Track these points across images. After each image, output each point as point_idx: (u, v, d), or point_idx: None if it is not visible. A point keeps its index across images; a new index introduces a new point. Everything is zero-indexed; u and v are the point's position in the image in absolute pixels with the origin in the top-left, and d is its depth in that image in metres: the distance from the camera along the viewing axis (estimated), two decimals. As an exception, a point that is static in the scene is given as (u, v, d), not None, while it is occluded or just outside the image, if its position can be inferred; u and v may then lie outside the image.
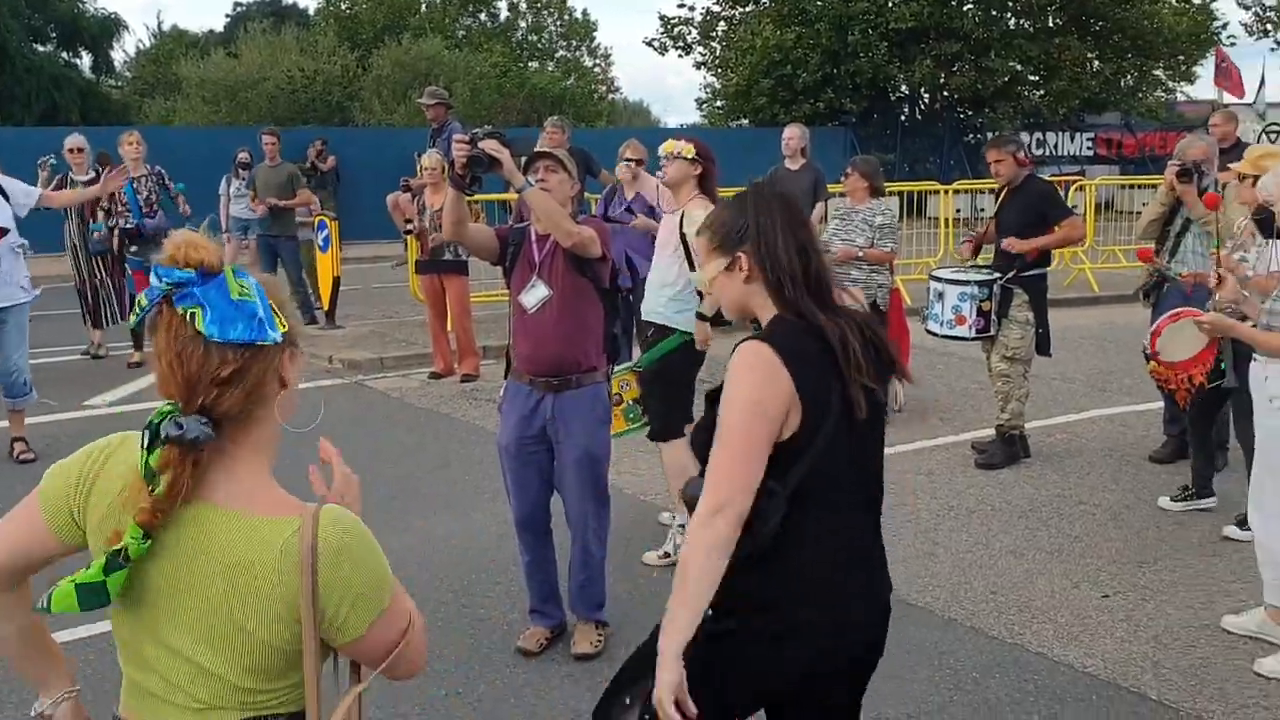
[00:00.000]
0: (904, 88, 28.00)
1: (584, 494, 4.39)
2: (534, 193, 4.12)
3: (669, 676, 2.16)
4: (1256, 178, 5.26)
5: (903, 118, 28.79)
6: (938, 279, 7.10)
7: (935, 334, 7.15)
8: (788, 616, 2.27)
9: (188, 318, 1.65)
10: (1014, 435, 6.95)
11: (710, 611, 2.23)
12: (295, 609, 1.67)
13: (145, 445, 1.64)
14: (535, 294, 4.27)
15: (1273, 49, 33.78)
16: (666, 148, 5.30)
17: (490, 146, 4.02)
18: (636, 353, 5.72)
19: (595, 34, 39.76)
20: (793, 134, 9.61)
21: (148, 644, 1.72)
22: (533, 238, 4.32)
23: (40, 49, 31.07)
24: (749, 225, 2.32)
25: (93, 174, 10.00)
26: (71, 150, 9.90)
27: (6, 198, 6.99)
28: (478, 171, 4.07)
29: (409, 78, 28.25)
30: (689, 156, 5.20)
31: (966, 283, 6.90)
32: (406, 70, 28.95)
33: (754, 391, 2.19)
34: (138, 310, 1.69)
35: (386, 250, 17.17)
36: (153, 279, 1.67)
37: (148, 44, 40.14)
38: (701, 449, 2.30)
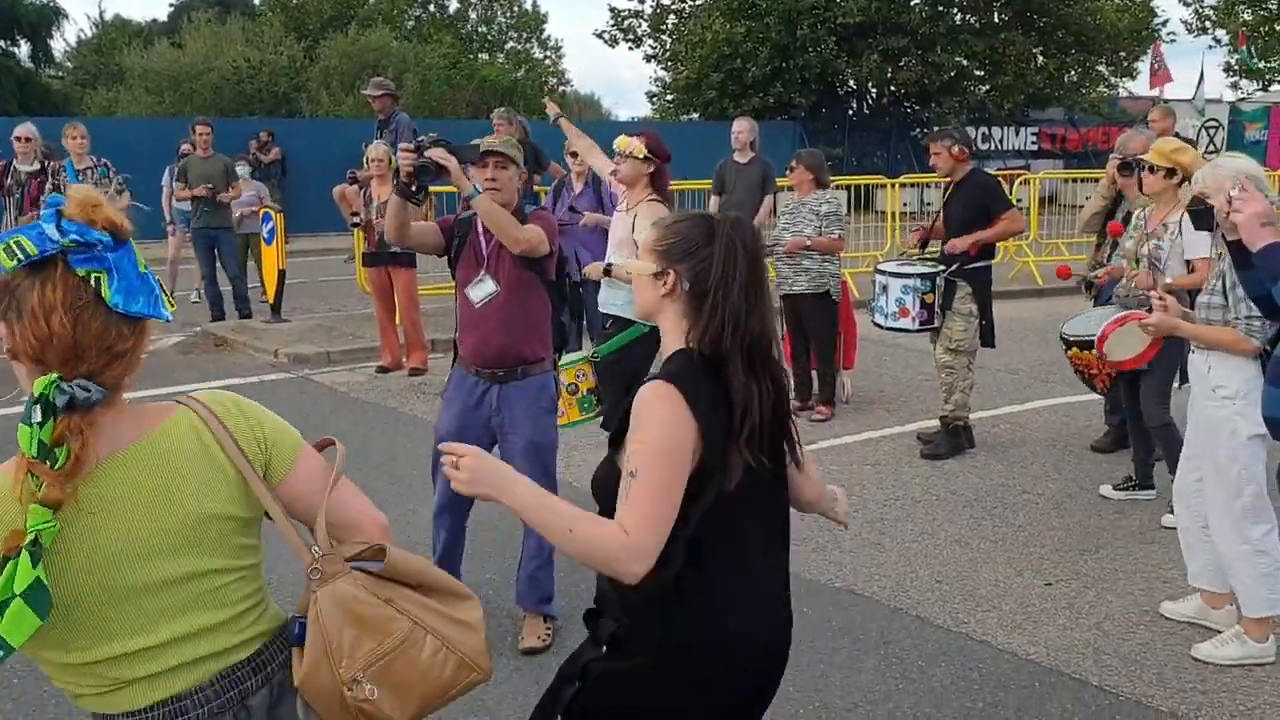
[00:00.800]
0: (852, 82, 28.19)
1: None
2: (481, 200, 4.14)
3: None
4: (1169, 170, 5.39)
5: (850, 112, 29.00)
6: (882, 272, 7.16)
7: (880, 326, 7.21)
8: (695, 658, 2.23)
9: (91, 281, 1.57)
10: (959, 426, 7.02)
11: (604, 649, 2.26)
12: (231, 467, 1.74)
13: (39, 420, 1.53)
14: (483, 289, 4.28)
15: (1211, 46, 34.53)
16: (619, 145, 5.28)
17: (437, 155, 4.02)
18: (587, 344, 5.72)
19: (545, 26, 39.70)
20: (742, 128, 9.63)
21: (150, 612, 1.70)
22: (479, 229, 4.34)
23: (-25, 37, 30.39)
24: (708, 256, 2.23)
25: (38, 165, 9.80)
26: (20, 139, 9.66)
27: None
28: (424, 180, 4.07)
29: (357, 69, 27.98)
30: (640, 156, 5.17)
31: (909, 275, 6.96)
32: (354, 61, 28.67)
33: (665, 433, 2.12)
34: (21, 256, 1.55)
35: (334, 243, 16.98)
36: (48, 230, 1.56)
37: (89, 33, 39.41)
38: (603, 493, 2.24)
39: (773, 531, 2.34)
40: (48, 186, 9.41)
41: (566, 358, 5.22)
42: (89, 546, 1.62)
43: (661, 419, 2.13)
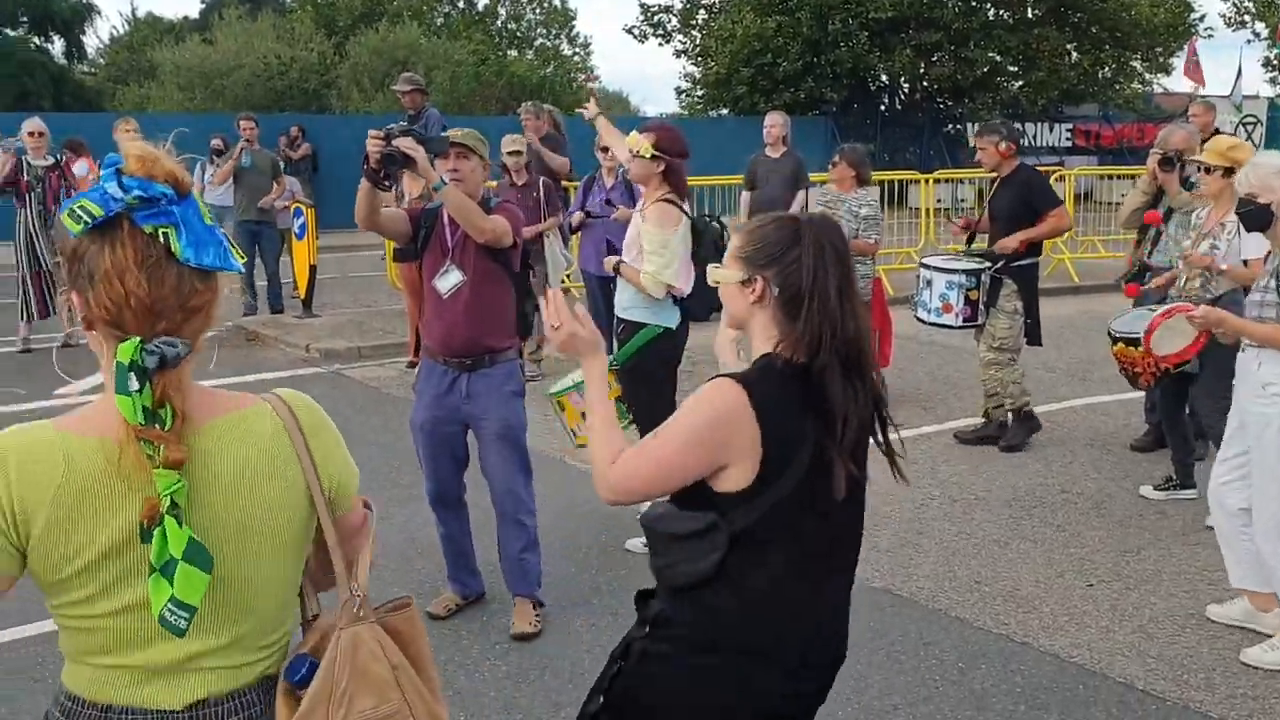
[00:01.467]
0: (884, 77, 27.98)
1: (508, 468, 4.53)
2: (447, 191, 4.19)
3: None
4: (1226, 169, 5.25)
5: (883, 107, 28.78)
6: (927, 266, 7.07)
7: (923, 321, 7.12)
8: (730, 655, 2.19)
9: (160, 237, 1.52)
10: (1028, 412, 7.00)
11: (647, 629, 2.26)
12: (303, 483, 1.69)
13: (136, 388, 1.49)
14: (449, 279, 4.37)
15: (1249, 41, 34.03)
16: (629, 143, 5.14)
17: (405, 145, 4.05)
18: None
19: (574, 22, 39.64)
20: (775, 122, 9.55)
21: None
22: (445, 220, 4.40)
23: (10, 33, 30.65)
24: (796, 259, 2.17)
25: (52, 160, 9.85)
26: (31, 134, 9.73)
27: None
28: (391, 169, 4.09)
29: (386, 65, 28.05)
30: (647, 155, 5.02)
31: (954, 271, 6.87)
32: (384, 58, 28.74)
33: (704, 422, 2.11)
34: (87, 219, 1.50)
35: (364, 239, 16.98)
36: (111, 189, 1.51)
37: (122, 30, 39.72)
38: (652, 534, 2.28)
39: (846, 540, 2.30)
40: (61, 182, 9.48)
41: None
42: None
43: (708, 409, 2.12)
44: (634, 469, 2.17)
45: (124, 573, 1.58)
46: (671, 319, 5.16)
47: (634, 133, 5.20)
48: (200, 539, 1.54)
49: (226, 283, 1.67)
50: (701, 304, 5.09)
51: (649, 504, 2.28)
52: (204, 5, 40.67)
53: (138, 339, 1.51)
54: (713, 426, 2.09)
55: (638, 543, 5.42)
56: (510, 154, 8.71)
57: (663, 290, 5.01)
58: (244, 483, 1.62)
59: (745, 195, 9.62)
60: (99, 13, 40.23)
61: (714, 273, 2.31)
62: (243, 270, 1.66)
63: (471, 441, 4.59)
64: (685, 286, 5.09)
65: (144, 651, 1.61)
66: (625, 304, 5.22)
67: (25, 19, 31.64)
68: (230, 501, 1.61)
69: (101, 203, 1.50)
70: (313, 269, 11.25)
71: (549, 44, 38.59)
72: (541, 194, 8.81)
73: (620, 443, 2.24)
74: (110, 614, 1.59)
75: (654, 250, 4.97)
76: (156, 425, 1.51)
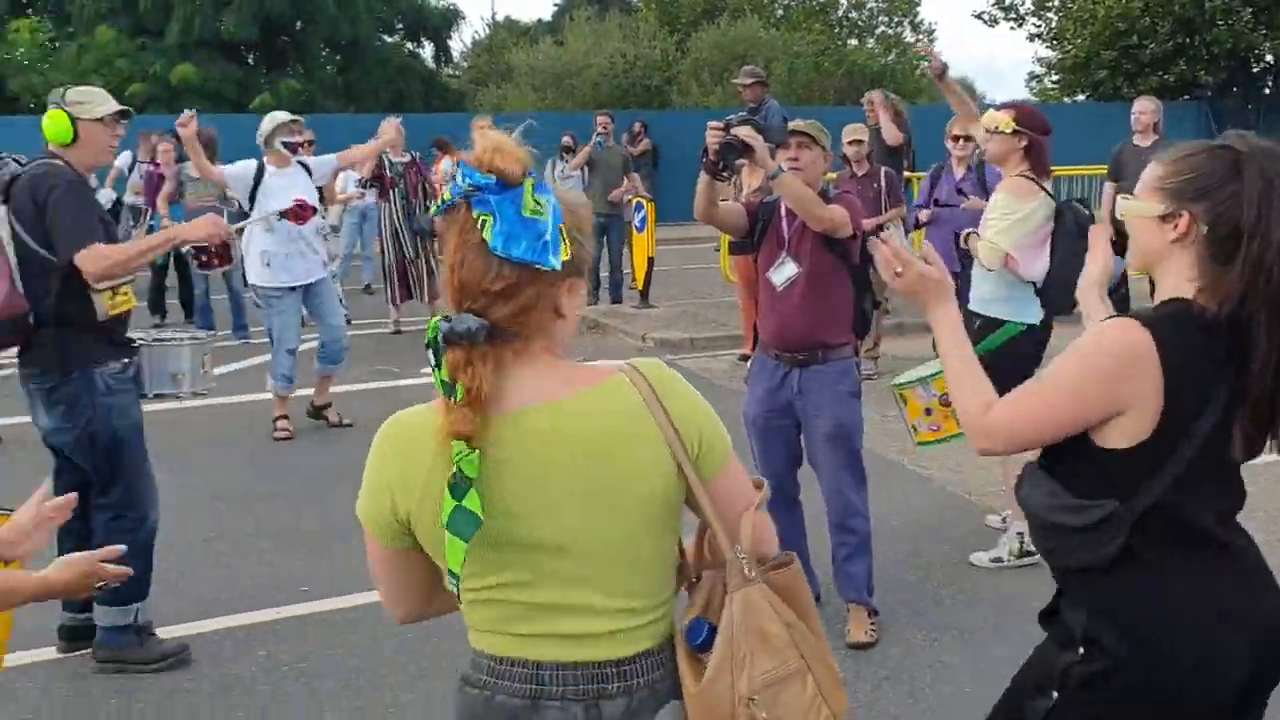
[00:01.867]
0: (1269, 57, 25.25)
1: (838, 469, 4.32)
2: (784, 179, 4.12)
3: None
4: None
5: (1267, 90, 25.99)
6: None
7: None
8: (1162, 652, 1.91)
9: (479, 223, 1.63)
10: None
11: (1081, 651, 1.96)
12: (664, 447, 1.68)
13: (434, 362, 1.64)
14: (784, 271, 4.31)
15: None
16: (985, 121, 4.86)
17: (744, 133, 4.03)
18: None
19: (918, 8, 38.45)
20: (1145, 108, 8.81)
21: (545, 573, 1.68)
22: (782, 213, 4.34)
23: (388, 40, 33.58)
24: (1234, 194, 1.88)
25: (409, 156, 10.55)
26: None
27: (310, 174, 7.38)
28: (730, 159, 4.06)
29: (726, 59, 28.34)
30: (1008, 130, 4.71)
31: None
32: (724, 52, 29.08)
33: (1098, 365, 1.88)
34: (439, 204, 1.68)
35: (698, 232, 17.28)
36: (458, 176, 1.65)
37: (482, 34, 42.61)
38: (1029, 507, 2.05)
39: (1232, 499, 2.02)
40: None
41: (936, 365, 4.86)
42: (489, 488, 1.62)
43: (1110, 345, 1.88)
44: (1021, 410, 1.96)
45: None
46: (1033, 314, 4.80)
47: (990, 110, 4.94)
48: (504, 514, 1.63)
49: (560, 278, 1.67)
50: (1064, 294, 4.68)
51: (1028, 487, 2.04)
52: (556, 7, 42.86)
53: (439, 317, 1.65)
54: (1116, 365, 1.86)
55: (983, 557, 5.08)
56: (851, 144, 8.48)
57: (998, 260, 4.68)
58: (604, 449, 1.66)
59: (1109, 187, 8.92)
60: (464, 18, 43.38)
61: (1125, 205, 2.02)
62: (559, 268, 1.65)
63: (799, 438, 4.46)
64: (1031, 271, 4.71)
65: (529, 623, 1.69)
66: (984, 296, 4.89)
67: (401, 26, 34.54)
68: (591, 468, 1.65)
69: (453, 189, 1.66)
70: (650, 261, 11.49)
71: (891, 31, 37.68)
72: (883, 184, 8.52)
73: (990, 390, 2.05)
74: (483, 589, 1.70)
75: (998, 217, 4.68)
76: (451, 398, 1.60)
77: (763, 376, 4.45)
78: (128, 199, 11.74)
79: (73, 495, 2.39)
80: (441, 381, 1.62)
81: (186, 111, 6.79)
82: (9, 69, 25.89)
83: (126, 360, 4.20)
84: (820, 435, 4.35)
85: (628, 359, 1.78)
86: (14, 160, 4.13)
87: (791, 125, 4.38)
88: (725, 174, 4.16)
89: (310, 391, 7.72)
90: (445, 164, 11.20)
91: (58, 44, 27.23)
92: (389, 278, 10.80)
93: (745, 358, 9.30)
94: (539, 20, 43.28)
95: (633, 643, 1.72)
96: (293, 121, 7.41)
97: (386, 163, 10.35)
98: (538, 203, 1.63)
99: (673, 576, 1.80)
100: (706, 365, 9.33)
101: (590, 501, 1.66)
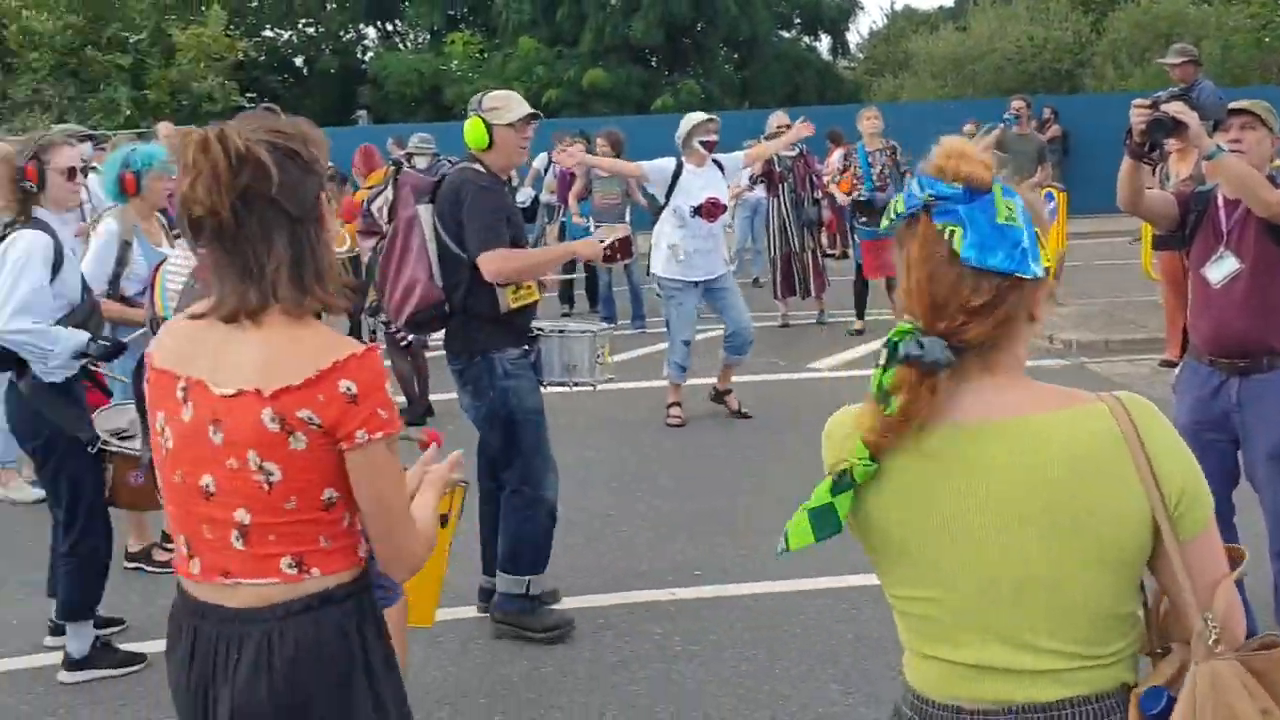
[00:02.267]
0: None
1: None
2: (1225, 159, 3.76)
3: None
4: None
5: None
6: None
7: None
8: None
9: (945, 235, 1.54)
10: None
11: None
12: (1140, 491, 1.52)
13: (882, 364, 1.56)
14: (1222, 267, 3.94)
15: None
16: None
17: (1174, 109, 3.68)
18: None
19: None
20: None
21: (957, 608, 1.59)
22: (1219, 203, 3.96)
23: (784, 35, 33.91)
24: None
25: (797, 150, 10.40)
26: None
27: (723, 171, 7.66)
28: (1159, 137, 3.75)
29: (1149, 39, 26.19)
30: None
31: None
32: (1146, 31, 26.89)
33: None
34: (892, 216, 1.62)
35: (1113, 224, 16.06)
36: (913, 187, 1.59)
37: (880, 24, 42.04)
38: None
39: None
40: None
41: None
42: (921, 494, 1.57)
43: None
44: None
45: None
46: None
47: None
48: (938, 526, 1.56)
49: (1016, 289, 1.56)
50: None
51: None
52: (962, -7, 41.51)
53: (910, 326, 1.56)
54: None
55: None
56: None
57: None
58: (1072, 478, 1.53)
59: None
60: (862, 8, 43.03)
61: None
62: (1040, 275, 1.57)
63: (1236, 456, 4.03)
64: None
65: (940, 644, 1.61)
66: None
67: (799, 21, 34.74)
68: (1054, 495, 1.53)
69: (907, 199, 1.60)
70: (1060, 255, 10.78)
71: (1350, -1, 33.12)
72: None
73: None
74: (902, 599, 1.65)
75: None
76: (882, 406, 1.55)
77: (1193, 384, 4.07)
78: (544, 197, 12.66)
79: (457, 454, 2.41)
80: (879, 385, 1.56)
81: (559, 148, 7.49)
82: (445, 79, 28.69)
83: (526, 348, 4.55)
84: (1263, 453, 3.91)
85: (1106, 389, 1.62)
86: (448, 162, 4.66)
87: (1233, 105, 3.99)
88: (1152, 156, 3.87)
89: (702, 381, 7.97)
90: (835, 156, 11.05)
91: (485, 54, 29.80)
92: (774, 271, 10.86)
93: (1168, 363, 8.52)
94: (940, 7, 42.13)
95: (1065, 685, 1.58)
96: (709, 121, 7.67)
97: (774, 156, 10.38)
98: (1009, 208, 1.55)
99: (1120, 630, 1.62)
100: (1122, 370, 8.65)
101: (1046, 531, 1.54)
